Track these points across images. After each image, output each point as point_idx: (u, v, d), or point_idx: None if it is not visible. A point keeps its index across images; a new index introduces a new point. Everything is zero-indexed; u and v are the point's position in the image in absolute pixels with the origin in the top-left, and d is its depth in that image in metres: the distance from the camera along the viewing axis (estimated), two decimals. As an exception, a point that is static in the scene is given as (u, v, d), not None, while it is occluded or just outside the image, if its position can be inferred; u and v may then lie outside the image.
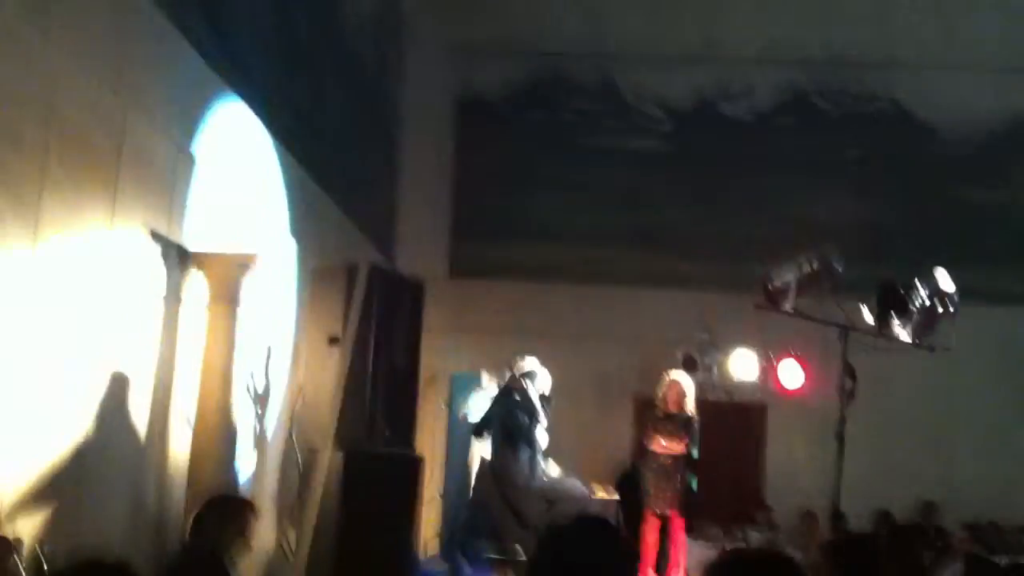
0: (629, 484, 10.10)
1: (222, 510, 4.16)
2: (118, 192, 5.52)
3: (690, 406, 9.22)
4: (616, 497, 9.91)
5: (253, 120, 7.67)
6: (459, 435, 9.22)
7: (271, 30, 8.14)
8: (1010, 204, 13.42)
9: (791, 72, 13.73)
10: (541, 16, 13.68)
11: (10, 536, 4.42)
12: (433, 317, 10.00)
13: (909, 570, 4.89)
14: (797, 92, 13.77)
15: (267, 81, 8.03)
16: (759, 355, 10.82)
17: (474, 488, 8.91)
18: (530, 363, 8.77)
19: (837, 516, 7.17)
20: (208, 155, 6.74)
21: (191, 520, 4.14)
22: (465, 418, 8.97)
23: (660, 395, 9.37)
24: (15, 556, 3.97)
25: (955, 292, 6.79)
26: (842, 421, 6.69)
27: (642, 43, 13.69)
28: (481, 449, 9.11)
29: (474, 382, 9.53)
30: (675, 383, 9.27)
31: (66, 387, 5.14)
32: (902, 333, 6.85)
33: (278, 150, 8.24)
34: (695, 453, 9.38)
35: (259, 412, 7.19)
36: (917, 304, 6.74)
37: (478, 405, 9.21)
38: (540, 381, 8.73)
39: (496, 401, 8.65)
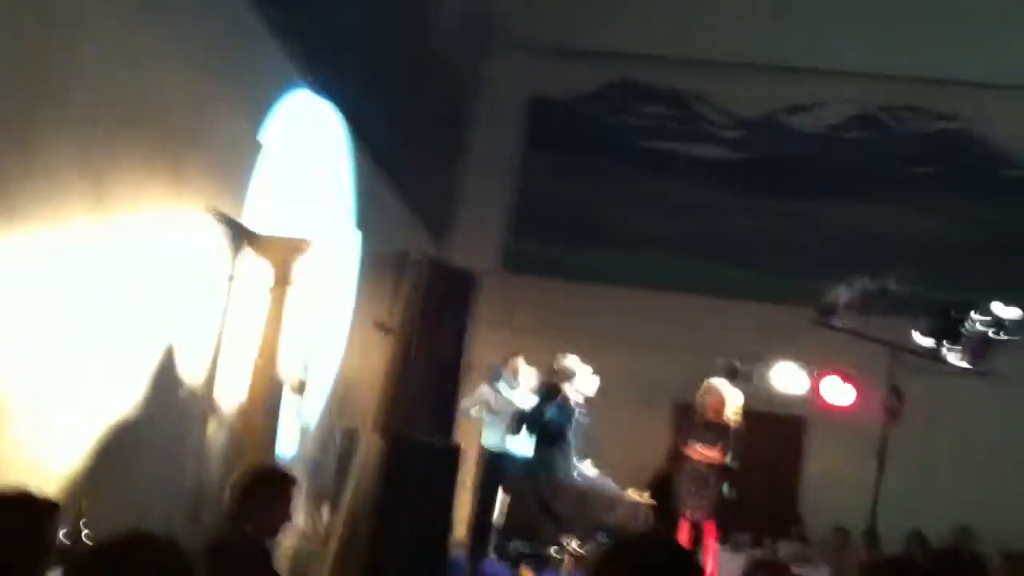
0: (663, 489, 10.09)
1: (263, 482, 4.17)
2: (185, 169, 5.61)
3: (730, 415, 9.18)
4: (647, 500, 9.89)
5: (326, 107, 7.74)
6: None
7: (350, 23, 8.22)
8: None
9: (862, 87, 13.58)
10: (616, 18, 13.64)
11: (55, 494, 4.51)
12: (483, 310, 10.05)
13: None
14: (867, 108, 13.64)
15: (342, 73, 8.12)
16: (805, 369, 10.74)
17: (508, 484, 8.94)
18: (571, 362, 8.79)
19: (872, 535, 7.12)
20: (277, 140, 6.82)
21: (230, 488, 4.17)
22: (466, 412, 8.97)
23: (699, 402, 9.34)
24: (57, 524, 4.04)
25: (1013, 320, 6.72)
26: (883, 441, 6.64)
27: (714, 50, 13.60)
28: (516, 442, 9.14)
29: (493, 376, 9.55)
30: (713, 389, 9.24)
31: (124, 361, 5.24)
32: (954, 357, 6.79)
33: (348, 138, 8.33)
34: (734, 463, 9.34)
35: (304, 394, 7.28)
36: (971, 329, 6.68)
37: (483, 399, 9.17)
38: (580, 382, 8.74)
39: (540, 400, 8.69)
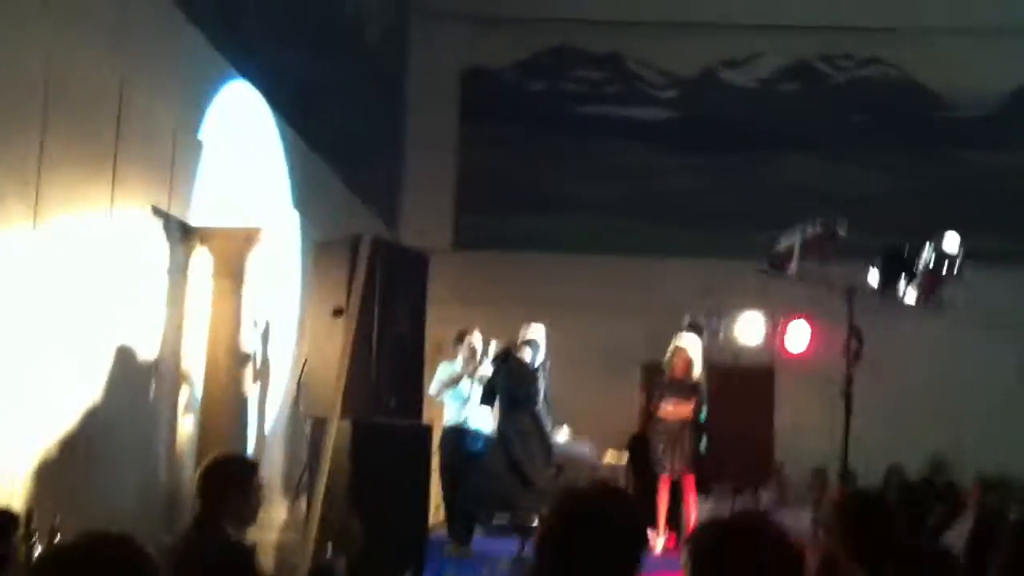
0: (638, 449, 10.15)
1: (233, 471, 4.13)
2: (119, 168, 5.54)
3: (697, 371, 9.25)
4: (624, 462, 9.97)
5: (255, 95, 7.69)
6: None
7: (274, 5, 8.14)
8: (1015, 168, 13.34)
9: (795, 38, 13.63)
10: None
11: (20, 511, 4.45)
12: (440, 289, 10.00)
13: (917, 524, 4.91)
14: (801, 58, 13.69)
15: (270, 57, 8.06)
16: (765, 318, 10.84)
17: (484, 459, 8.93)
18: (534, 331, 8.78)
19: (846, 474, 7.19)
20: (211, 131, 6.76)
21: (198, 482, 4.13)
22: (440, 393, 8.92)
23: (667, 361, 9.42)
24: (15, 534, 3.99)
25: (960, 254, 6.77)
26: (848, 381, 6.70)
27: (646, 11, 13.60)
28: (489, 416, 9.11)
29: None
30: (681, 349, 9.32)
31: (73, 365, 5.18)
32: (907, 294, 6.85)
33: (280, 125, 8.27)
34: (703, 416, 9.42)
35: (266, 384, 7.25)
36: (922, 266, 6.73)
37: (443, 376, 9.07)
38: (540, 350, 8.74)
39: (497, 368, 8.67)
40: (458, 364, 8.69)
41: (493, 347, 8.94)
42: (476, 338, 8.85)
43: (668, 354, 9.39)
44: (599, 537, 2.58)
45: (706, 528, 2.61)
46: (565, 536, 2.61)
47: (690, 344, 9.47)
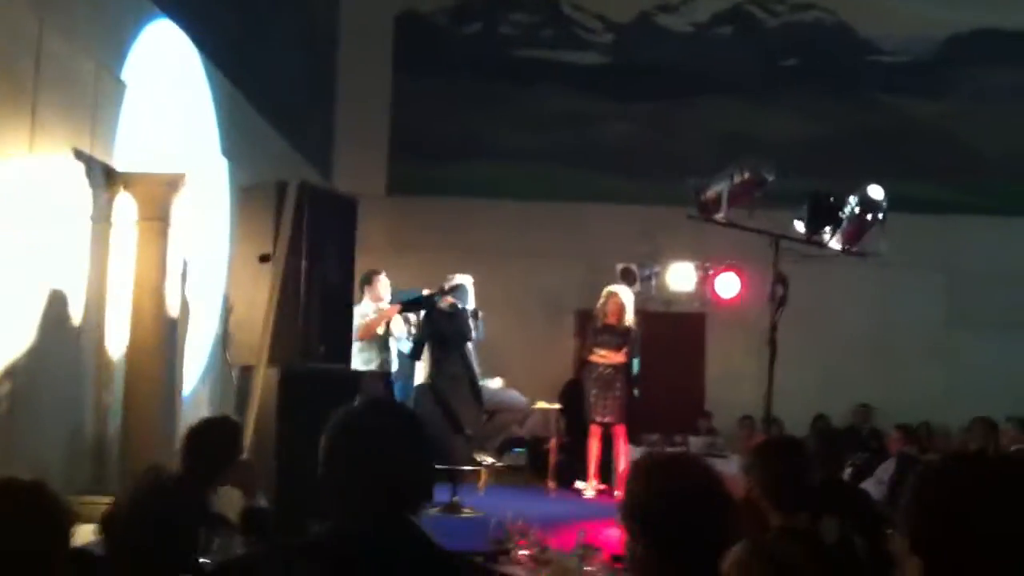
0: (571, 396, 10.24)
1: (203, 435, 4.04)
2: (37, 113, 5.41)
3: (629, 318, 9.33)
4: (557, 407, 10.04)
5: (182, 38, 7.52)
6: (399, 352, 9.20)
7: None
8: (948, 116, 13.54)
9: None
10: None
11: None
12: (373, 235, 9.96)
13: (835, 469, 5.03)
14: (736, 2, 13.72)
15: (200, 2, 7.87)
16: (697, 266, 10.94)
17: (415, 406, 8.95)
18: (459, 278, 8.72)
19: (770, 421, 7.32)
20: (135, 75, 6.62)
21: (180, 452, 4.04)
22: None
23: (599, 308, 9.48)
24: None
25: (884, 200, 6.88)
26: (773, 327, 6.79)
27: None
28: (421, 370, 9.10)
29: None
30: (613, 295, 9.38)
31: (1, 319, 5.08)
32: (832, 241, 6.94)
33: (208, 68, 8.11)
34: (635, 364, 9.51)
35: (193, 332, 7.17)
36: (846, 212, 6.82)
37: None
38: (468, 296, 8.69)
39: (426, 317, 8.63)
40: (367, 307, 8.47)
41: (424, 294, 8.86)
42: (383, 282, 8.68)
43: (601, 300, 9.45)
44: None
45: (639, 462, 2.67)
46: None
47: (622, 290, 9.54)
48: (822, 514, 3.76)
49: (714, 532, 2.44)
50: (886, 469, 8.29)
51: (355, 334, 8.24)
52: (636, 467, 2.60)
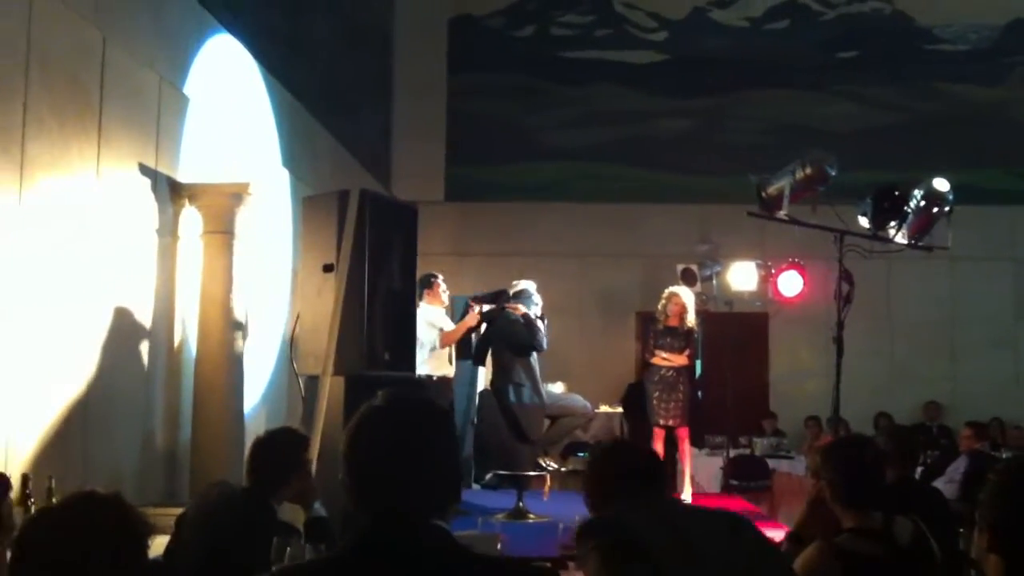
0: (634, 399, 10.18)
1: (269, 447, 4.02)
2: (104, 127, 5.51)
3: (690, 319, 9.22)
4: (619, 410, 10.00)
5: (242, 51, 7.62)
6: (463, 360, 9.20)
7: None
8: (1008, 102, 13.30)
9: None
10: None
11: (15, 474, 4.48)
12: (433, 241, 10.00)
13: (907, 468, 4.94)
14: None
15: (255, 10, 7.99)
16: (758, 264, 10.81)
17: (478, 415, 8.96)
18: (523, 284, 8.69)
19: (837, 420, 7.21)
20: (197, 88, 6.72)
21: (246, 464, 4.04)
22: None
23: (660, 309, 9.38)
24: (9, 496, 4.00)
25: (949, 192, 6.74)
26: (840, 326, 6.67)
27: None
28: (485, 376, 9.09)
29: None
30: (674, 296, 9.26)
31: (66, 328, 5.18)
32: (897, 235, 6.82)
33: (267, 79, 8.21)
34: (697, 365, 9.43)
35: (260, 342, 7.25)
36: (912, 206, 6.69)
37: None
38: (532, 302, 8.65)
39: (492, 322, 8.62)
40: (427, 311, 8.37)
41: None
42: (442, 286, 8.63)
43: (662, 301, 9.36)
44: None
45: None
46: None
47: (683, 291, 9.44)
48: (895, 514, 3.69)
49: None
50: (957, 467, 8.14)
51: (437, 342, 8.24)
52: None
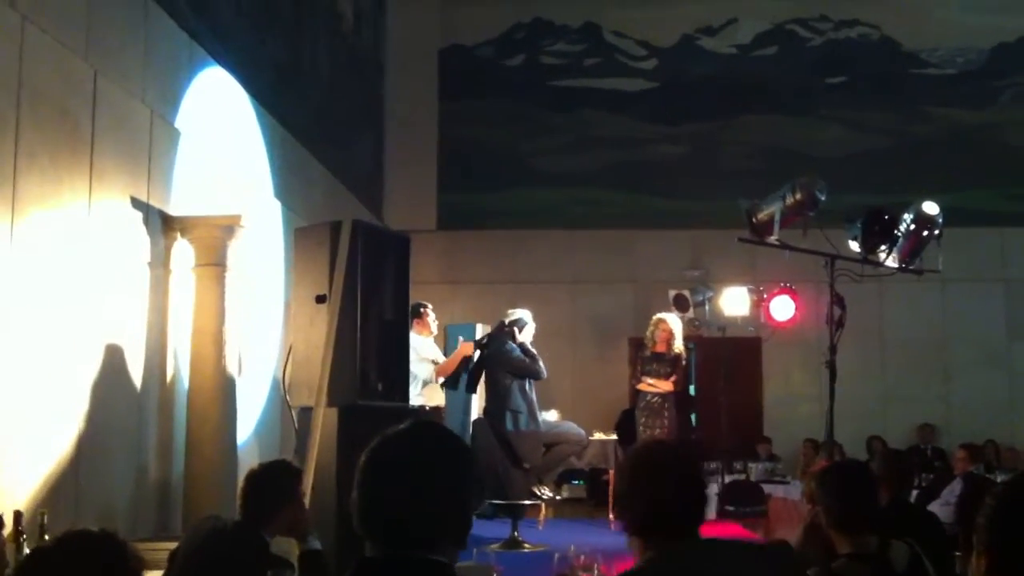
0: (628, 425, 10.16)
1: (262, 480, 4.00)
2: (96, 160, 5.52)
3: (678, 345, 9.23)
4: (613, 438, 9.97)
5: (232, 83, 7.65)
6: (451, 389, 9.20)
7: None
8: (996, 125, 13.38)
9: (771, 2, 13.64)
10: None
11: (8, 510, 4.45)
12: (425, 270, 10.02)
13: (901, 491, 4.94)
14: (778, 22, 13.68)
15: (245, 42, 8.03)
16: (751, 289, 10.84)
17: (473, 442, 8.94)
18: (518, 313, 8.71)
19: (831, 444, 7.21)
20: (188, 121, 6.74)
21: (239, 497, 4.01)
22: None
23: (648, 335, 9.41)
24: (0, 533, 3.99)
25: (939, 215, 6.78)
26: (832, 350, 6.70)
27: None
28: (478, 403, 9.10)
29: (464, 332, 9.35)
30: (661, 321, 9.28)
31: (58, 362, 5.17)
32: (888, 259, 6.85)
33: (258, 111, 8.23)
34: (691, 390, 9.44)
35: (253, 374, 7.24)
36: (902, 229, 6.73)
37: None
38: (527, 331, 8.67)
39: (486, 348, 8.63)
40: (416, 341, 8.35)
41: (478, 329, 8.89)
42: (431, 315, 8.66)
43: (650, 327, 9.39)
44: None
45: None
46: None
47: (670, 317, 9.45)
48: (891, 538, 3.69)
49: None
50: (952, 490, 8.12)
51: (431, 375, 8.25)
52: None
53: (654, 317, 9.39)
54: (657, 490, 2.61)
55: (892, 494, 4.70)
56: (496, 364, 8.58)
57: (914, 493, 8.16)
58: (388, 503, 2.06)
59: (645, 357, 9.35)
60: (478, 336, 8.98)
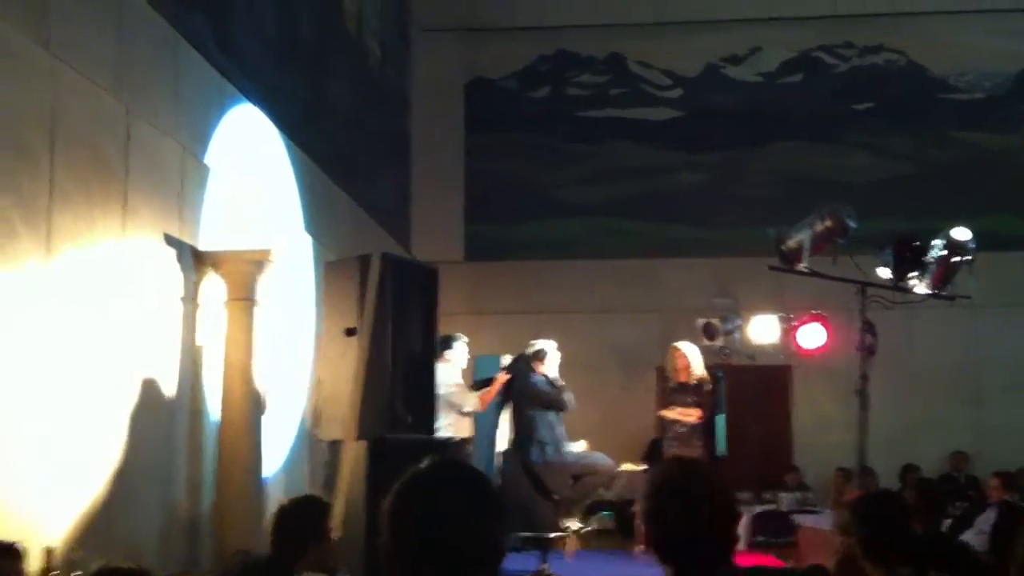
0: (656, 456, 10.10)
1: (292, 515, 4.00)
2: (128, 198, 5.59)
3: (698, 372, 9.14)
4: (643, 468, 9.92)
5: (262, 119, 7.73)
6: (484, 419, 9.19)
7: (274, 28, 8.21)
8: (1022, 149, 13.30)
9: (795, 30, 13.65)
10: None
11: (38, 543, 4.48)
12: (452, 302, 10.02)
13: (935, 521, 4.90)
14: (802, 49, 13.69)
15: (273, 79, 8.11)
16: (780, 317, 10.78)
17: (501, 474, 8.92)
18: (540, 344, 8.69)
19: (865, 473, 7.15)
20: (218, 157, 6.81)
21: (269, 533, 4.01)
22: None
23: (668, 367, 9.35)
24: (21, 563, 4.00)
25: (971, 241, 6.74)
26: (864, 378, 6.66)
27: (645, 11, 13.65)
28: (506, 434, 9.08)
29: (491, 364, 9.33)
30: (675, 349, 9.17)
31: (91, 398, 5.21)
32: (919, 286, 6.81)
33: (288, 145, 8.31)
34: (719, 418, 9.36)
35: (283, 408, 7.27)
36: (932, 255, 6.69)
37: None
38: (550, 361, 8.63)
39: (513, 381, 8.61)
40: (445, 373, 8.35)
41: (504, 360, 8.88)
42: (462, 348, 8.66)
43: (667, 358, 9.31)
44: None
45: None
46: None
47: (685, 345, 9.33)
48: (925, 569, 3.66)
49: None
50: (986, 519, 8.01)
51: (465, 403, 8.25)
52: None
53: (669, 348, 9.31)
54: (689, 513, 2.51)
55: (926, 524, 4.66)
56: (521, 396, 8.57)
57: (947, 522, 8.08)
58: (418, 546, 2.06)
59: (670, 388, 9.29)
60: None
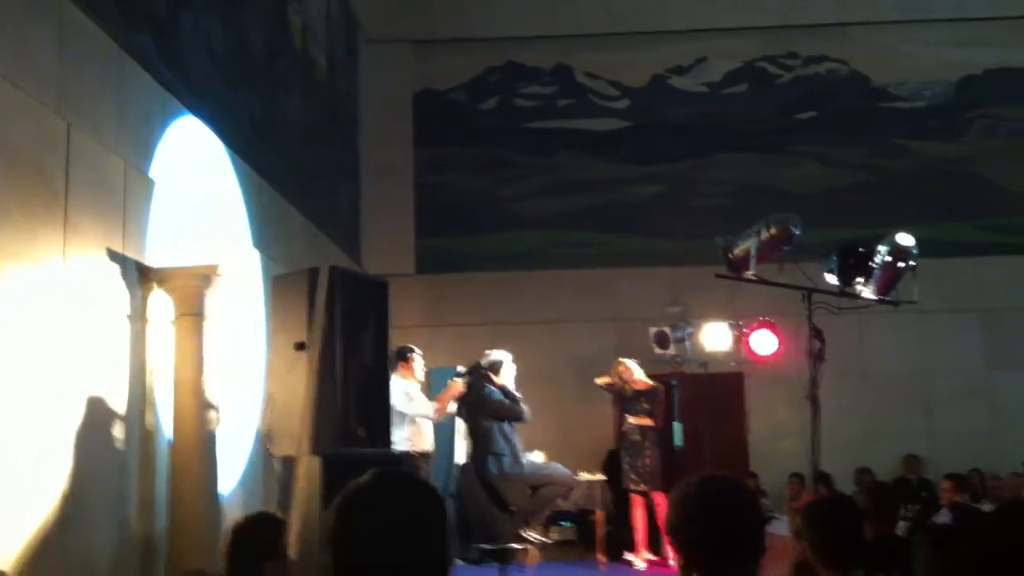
0: (614, 465, 10.14)
1: (246, 533, 3.93)
2: (70, 214, 5.50)
3: (640, 380, 9.52)
4: (601, 478, 9.95)
5: (206, 132, 7.65)
6: (443, 432, 9.16)
7: (220, 43, 8.13)
8: (968, 157, 13.53)
9: (739, 40, 13.79)
10: (489, 3, 13.70)
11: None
12: (406, 314, 10.00)
13: (885, 524, 4.93)
14: (747, 60, 13.83)
15: (219, 93, 8.04)
16: (731, 324, 10.86)
17: (458, 488, 8.91)
18: (495, 354, 8.72)
19: (819, 477, 7.20)
20: (163, 171, 6.73)
21: (223, 552, 3.94)
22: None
23: (615, 380, 9.72)
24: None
25: (914, 247, 6.82)
26: (813, 383, 6.70)
27: (591, 23, 13.73)
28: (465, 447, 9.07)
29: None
30: (622, 364, 9.69)
31: (38, 419, 5.12)
32: (865, 291, 6.88)
33: (234, 160, 8.23)
34: (677, 429, 9.52)
35: (235, 425, 7.19)
36: (877, 261, 6.77)
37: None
38: (506, 373, 8.66)
39: (468, 393, 8.60)
40: (400, 384, 8.28)
41: (460, 368, 8.88)
42: (418, 360, 8.68)
43: (613, 371, 9.74)
44: None
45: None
46: None
47: (625, 360, 9.82)
48: (877, 572, 3.68)
49: None
50: (939, 520, 8.13)
51: (425, 412, 8.24)
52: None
53: (615, 362, 9.75)
54: (730, 523, 2.64)
55: (878, 527, 4.69)
56: (477, 408, 8.55)
57: (904, 525, 8.16)
58: (362, 565, 2.02)
59: (623, 398, 9.54)
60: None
